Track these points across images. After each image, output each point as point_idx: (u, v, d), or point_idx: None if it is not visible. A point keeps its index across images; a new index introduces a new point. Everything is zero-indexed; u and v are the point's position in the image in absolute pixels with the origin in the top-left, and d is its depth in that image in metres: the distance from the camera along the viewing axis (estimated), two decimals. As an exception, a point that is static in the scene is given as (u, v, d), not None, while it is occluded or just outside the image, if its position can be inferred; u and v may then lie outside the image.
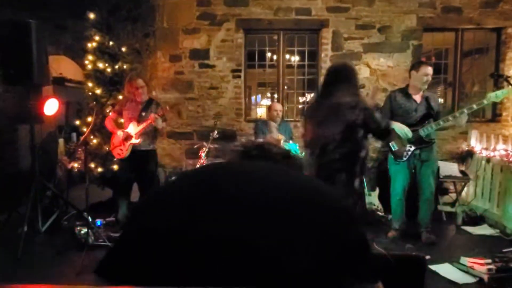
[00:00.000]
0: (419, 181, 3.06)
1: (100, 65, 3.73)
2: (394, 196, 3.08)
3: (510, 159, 3.41)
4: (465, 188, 3.94)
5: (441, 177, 3.74)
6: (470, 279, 2.41)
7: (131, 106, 3.28)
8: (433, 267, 2.54)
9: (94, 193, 3.58)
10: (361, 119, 1.93)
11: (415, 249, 2.73)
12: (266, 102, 5.35)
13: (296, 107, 5.06)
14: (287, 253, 0.48)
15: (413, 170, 3.06)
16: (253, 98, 5.70)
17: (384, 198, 3.46)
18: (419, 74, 2.96)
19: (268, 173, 0.61)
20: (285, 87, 4.77)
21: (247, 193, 0.54)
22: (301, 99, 5.16)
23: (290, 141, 3.52)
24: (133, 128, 3.21)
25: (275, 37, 4.62)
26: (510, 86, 2.87)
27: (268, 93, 5.27)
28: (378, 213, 3.58)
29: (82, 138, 3.10)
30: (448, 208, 3.82)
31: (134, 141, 3.19)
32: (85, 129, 3.55)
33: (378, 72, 4.50)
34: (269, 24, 4.47)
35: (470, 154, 4.05)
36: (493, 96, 2.82)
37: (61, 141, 3.82)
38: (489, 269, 2.38)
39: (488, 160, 3.72)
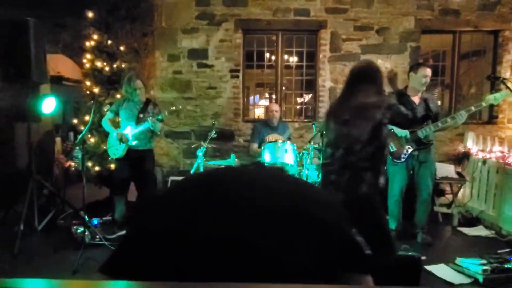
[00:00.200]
0: (417, 182, 3.07)
1: (98, 64, 3.73)
2: (392, 197, 3.09)
3: (506, 161, 3.43)
4: (461, 190, 3.96)
5: (438, 178, 3.76)
6: (465, 280, 2.43)
7: (128, 106, 3.27)
8: (428, 267, 2.56)
9: (91, 192, 3.57)
10: (388, 117, 1.94)
11: (411, 250, 2.73)
12: (264, 102, 5.35)
13: (294, 108, 5.06)
14: (287, 253, 0.49)
15: (411, 171, 3.07)
16: (251, 98, 5.71)
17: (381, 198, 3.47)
18: (418, 75, 2.97)
19: (267, 177, 0.63)
20: (283, 88, 4.77)
21: (247, 194, 0.56)
22: (299, 100, 5.17)
23: (288, 142, 3.52)
24: (130, 130, 3.21)
25: (274, 37, 4.62)
26: (507, 89, 2.89)
27: (266, 94, 5.28)
28: (375, 213, 3.58)
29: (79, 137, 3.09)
30: (444, 209, 3.84)
31: (130, 142, 3.18)
32: (82, 128, 3.55)
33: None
34: (267, 24, 4.48)
35: (466, 155, 4.07)
36: (491, 98, 2.84)
37: (58, 139, 3.80)
38: (484, 270, 2.40)
39: (484, 161, 3.74)
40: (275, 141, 3.50)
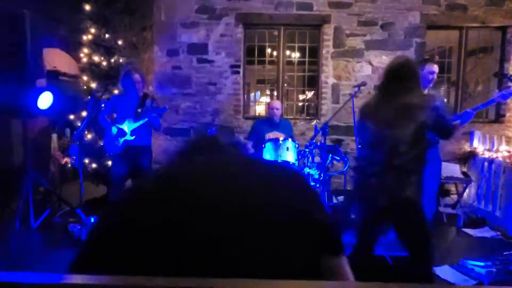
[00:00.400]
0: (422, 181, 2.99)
1: (96, 58, 3.66)
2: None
3: (514, 161, 3.35)
4: (467, 190, 3.90)
5: (443, 178, 3.68)
6: (470, 282, 2.37)
7: (126, 101, 3.20)
8: (433, 270, 2.50)
9: (88, 190, 3.52)
10: (431, 119, 1.85)
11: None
12: (266, 99, 5.27)
13: (296, 105, 4.98)
14: (255, 242, 0.52)
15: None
16: (252, 95, 5.63)
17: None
18: (424, 72, 2.88)
19: (229, 168, 0.64)
20: (285, 84, 4.69)
21: (212, 189, 0.58)
22: (301, 97, 5.09)
23: (290, 139, 3.45)
24: (127, 125, 3.14)
25: (276, 32, 4.53)
26: None
27: (267, 90, 5.19)
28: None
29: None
30: (449, 210, 3.77)
31: (129, 137, 3.12)
32: (79, 124, 3.49)
33: (380, 70, 4.42)
34: (269, 19, 4.38)
35: (472, 155, 4.00)
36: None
37: (54, 136, 3.75)
38: (490, 272, 2.35)
39: (490, 161, 3.67)
40: (277, 139, 3.43)
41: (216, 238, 0.51)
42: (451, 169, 3.84)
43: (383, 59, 4.39)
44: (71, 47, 3.91)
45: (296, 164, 3.38)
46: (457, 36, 4.46)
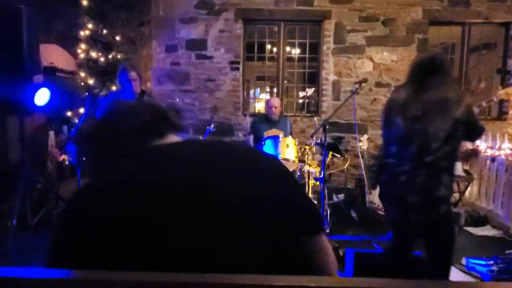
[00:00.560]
0: None
1: (93, 54, 3.63)
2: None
3: (516, 159, 3.31)
4: (469, 188, 3.87)
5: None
6: (471, 281, 2.35)
7: (123, 98, 3.16)
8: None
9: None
10: (465, 116, 1.75)
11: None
12: (265, 96, 5.23)
13: (296, 101, 4.94)
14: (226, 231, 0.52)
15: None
16: (251, 91, 5.59)
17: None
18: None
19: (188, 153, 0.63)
20: (285, 81, 4.65)
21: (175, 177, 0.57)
22: (301, 94, 5.04)
23: (290, 136, 3.41)
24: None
25: (276, 28, 4.48)
26: None
27: (267, 87, 5.15)
28: (379, 212, 3.49)
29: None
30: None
31: None
32: (76, 121, 3.46)
33: (382, 67, 4.37)
34: (269, 14, 4.33)
35: (474, 152, 3.97)
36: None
37: (51, 133, 3.72)
38: (491, 271, 2.33)
39: (493, 159, 3.64)
40: (276, 136, 3.39)
41: (185, 228, 0.51)
42: (453, 167, 3.81)
43: (384, 56, 4.34)
44: (68, 43, 3.88)
45: (296, 162, 3.34)
46: (460, 32, 4.41)
